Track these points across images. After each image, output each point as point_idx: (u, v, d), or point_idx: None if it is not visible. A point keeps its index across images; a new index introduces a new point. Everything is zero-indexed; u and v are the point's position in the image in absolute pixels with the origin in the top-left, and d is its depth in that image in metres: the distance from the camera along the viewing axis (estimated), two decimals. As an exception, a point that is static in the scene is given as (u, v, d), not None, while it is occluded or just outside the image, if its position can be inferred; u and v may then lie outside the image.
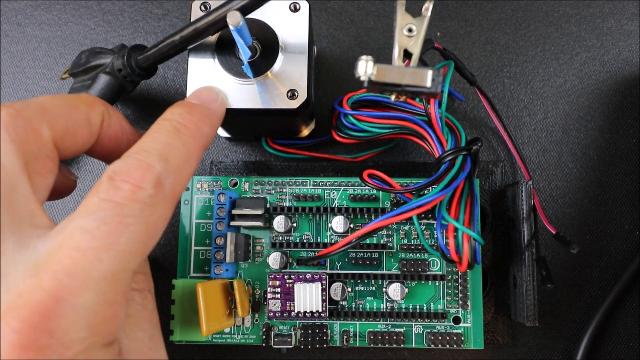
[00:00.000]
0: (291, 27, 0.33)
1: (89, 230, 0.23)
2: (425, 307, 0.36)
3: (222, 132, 0.40)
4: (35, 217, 0.24)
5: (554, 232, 0.36)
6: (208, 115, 0.30)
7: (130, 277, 0.24)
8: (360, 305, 0.37)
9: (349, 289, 0.36)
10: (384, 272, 0.37)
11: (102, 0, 0.44)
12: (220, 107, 0.31)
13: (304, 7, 0.33)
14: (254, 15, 0.32)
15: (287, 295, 0.35)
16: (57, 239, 0.23)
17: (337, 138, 0.37)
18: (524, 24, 0.42)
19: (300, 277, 0.35)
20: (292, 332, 0.36)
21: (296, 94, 0.32)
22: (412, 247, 0.37)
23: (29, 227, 0.23)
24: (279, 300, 0.35)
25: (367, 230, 0.33)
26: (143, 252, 0.24)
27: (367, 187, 0.37)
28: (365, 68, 0.24)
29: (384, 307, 0.36)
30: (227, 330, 0.36)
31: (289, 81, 0.32)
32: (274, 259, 0.36)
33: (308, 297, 0.35)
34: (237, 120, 0.36)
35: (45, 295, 0.21)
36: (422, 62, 0.42)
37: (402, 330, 0.36)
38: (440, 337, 0.35)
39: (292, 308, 0.35)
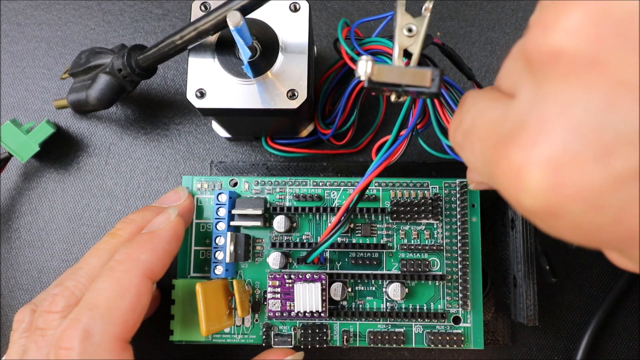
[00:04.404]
0: (291, 27, 0.33)
1: None
2: (425, 307, 0.36)
3: (222, 132, 0.40)
4: None
5: (554, 232, 0.36)
6: (148, 241, 0.30)
7: None
8: (360, 305, 0.37)
9: (349, 289, 0.36)
10: (384, 272, 0.37)
11: (102, 0, 0.44)
12: (168, 229, 0.31)
13: (304, 7, 0.33)
14: (254, 15, 0.32)
15: (287, 295, 0.35)
16: None
17: (322, 130, 0.38)
18: (524, 24, 0.42)
19: (300, 277, 0.35)
20: (292, 332, 0.36)
21: (296, 94, 0.32)
22: (412, 247, 0.37)
23: None
24: (279, 300, 0.35)
25: (356, 192, 0.32)
26: None
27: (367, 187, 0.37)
28: (365, 68, 0.24)
29: (384, 307, 0.36)
30: (227, 330, 0.36)
31: (289, 81, 0.32)
32: (273, 259, 0.36)
33: (308, 297, 0.35)
34: (237, 120, 0.36)
35: None
36: (424, 58, 0.42)
37: (402, 330, 0.36)
38: (440, 337, 0.35)
39: (292, 308, 0.35)
